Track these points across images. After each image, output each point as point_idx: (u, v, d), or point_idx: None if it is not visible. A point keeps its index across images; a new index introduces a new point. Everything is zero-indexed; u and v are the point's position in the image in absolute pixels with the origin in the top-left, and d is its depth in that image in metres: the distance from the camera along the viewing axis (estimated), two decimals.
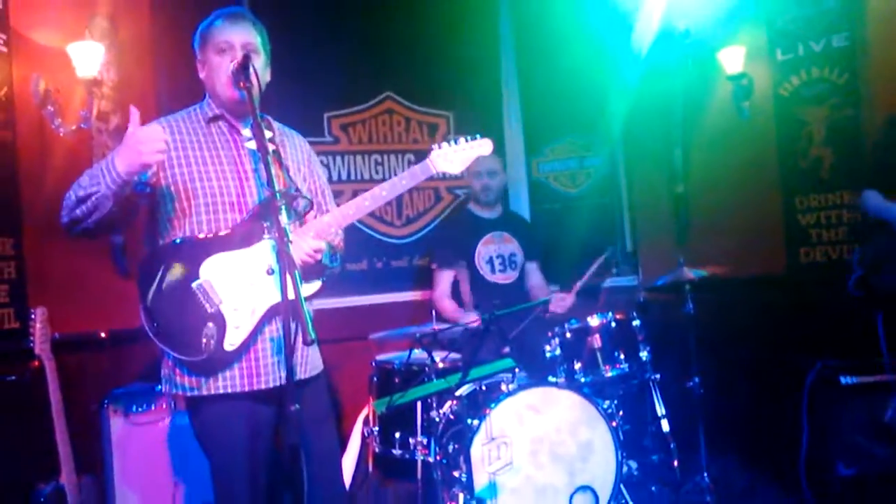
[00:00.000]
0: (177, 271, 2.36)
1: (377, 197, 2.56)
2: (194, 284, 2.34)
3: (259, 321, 2.38)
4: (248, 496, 2.39)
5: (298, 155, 2.69)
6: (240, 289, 2.37)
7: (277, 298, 2.34)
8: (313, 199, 2.60)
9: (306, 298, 2.25)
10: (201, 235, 2.41)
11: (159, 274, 2.36)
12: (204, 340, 2.32)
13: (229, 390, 2.39)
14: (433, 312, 3.70)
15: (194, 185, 2.43)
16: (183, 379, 2.41)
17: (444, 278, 4.30)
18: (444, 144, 2.64)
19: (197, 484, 3.48)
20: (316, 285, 2.51)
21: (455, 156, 2.64)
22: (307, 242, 2.40)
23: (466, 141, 2.66)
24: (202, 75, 2.56)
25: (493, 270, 4.31)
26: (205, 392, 2.39)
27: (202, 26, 2.55)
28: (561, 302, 4.05)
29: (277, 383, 2.41)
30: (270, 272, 2.38)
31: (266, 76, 2.58)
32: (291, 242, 2.18)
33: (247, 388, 2.39)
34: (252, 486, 2.40)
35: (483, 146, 2.67)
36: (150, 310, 2.35)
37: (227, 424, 2.40)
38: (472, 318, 3.82)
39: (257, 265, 2.39)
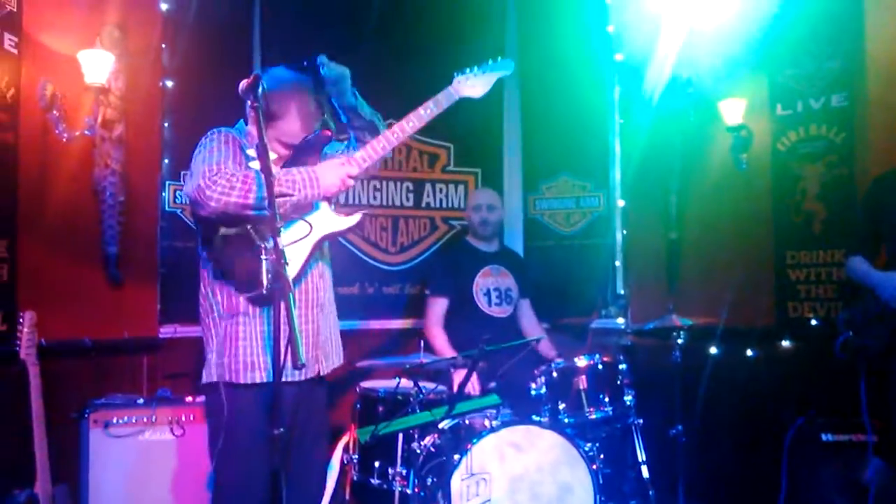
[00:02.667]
0: None
1: (404, 129, 2.70)
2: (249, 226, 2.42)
3: (307, 257, 2.58)
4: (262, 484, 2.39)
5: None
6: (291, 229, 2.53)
7: (329, 230, 2.63)
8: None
9: (344, 230, 2.65)
10: None
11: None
12: (264, 274, 2.33)
13: (260, 381, 2.53)
14: (422, 343, 3.70)
15: None
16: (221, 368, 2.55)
17: (438, 305, 4.31)
18: (467, 70, 2.76)
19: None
20: (356, 217, 2.67)
21: (477, 80, 2.77)
22: (343, 169, 2.59)
23: (489, 65, 2.78)
24: (275, 108, 2.62)
25: (489, 303, 4.33)
26: (242, 381, 2.52)
27: (286, 77, 2.69)
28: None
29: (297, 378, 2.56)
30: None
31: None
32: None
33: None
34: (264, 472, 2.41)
35: (504, 66, 2.80)
36: (216, 258, 2.52)
37: (254, 413, 2.50)
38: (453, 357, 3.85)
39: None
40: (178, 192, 4.33)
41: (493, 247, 4.51)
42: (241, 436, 2.52)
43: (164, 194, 4.26)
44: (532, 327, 4.42)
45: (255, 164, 2.52)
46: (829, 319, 4.10)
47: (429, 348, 3.95)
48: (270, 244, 2.20)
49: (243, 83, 2.40)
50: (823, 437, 3.61)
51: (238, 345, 2.57)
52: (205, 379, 2.62)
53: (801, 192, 4.37)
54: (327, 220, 2.66)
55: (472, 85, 2.75)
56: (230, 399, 2.50)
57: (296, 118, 2.68)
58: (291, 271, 2.44)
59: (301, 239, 2.54)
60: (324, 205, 2.66)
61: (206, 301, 2.64)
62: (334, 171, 2.59)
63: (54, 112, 3.70)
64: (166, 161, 4.26)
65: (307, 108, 2.70)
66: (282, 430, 2.16)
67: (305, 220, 2.55)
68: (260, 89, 2.38)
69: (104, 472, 3.39)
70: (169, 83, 4.27)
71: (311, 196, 2.53)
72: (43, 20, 3.73)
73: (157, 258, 4.14)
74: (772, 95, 4.50)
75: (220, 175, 2.42)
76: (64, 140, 3.72)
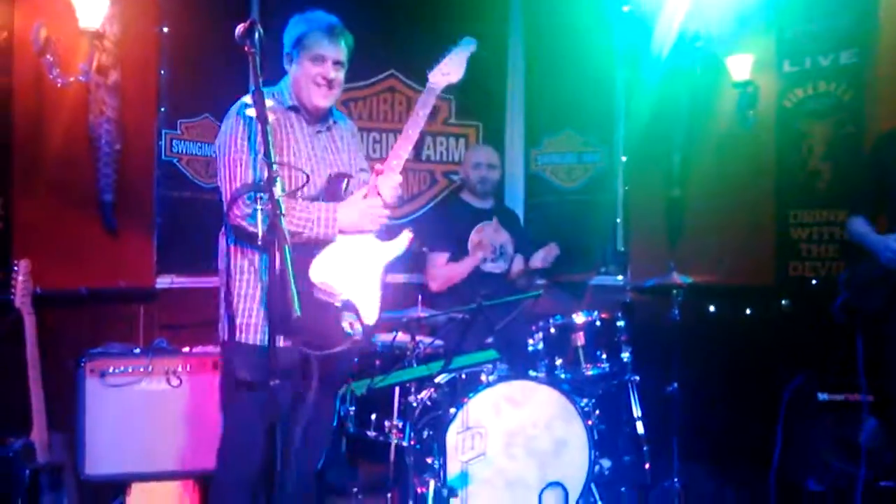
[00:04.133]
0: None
1: (409, 137, 2.74)
2: (315, 293, 2.52)
3: (380, 289, 2.69)
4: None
5: (348, 138, 2.94)
6: (351, 271, 2.62)
7: (384, 260, 2.74)
8: (355, 176, 2.87)
9: (397, 253, 2.76)
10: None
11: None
12: (347, 326, 2.55)
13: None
14: (419, 297, 3.69)
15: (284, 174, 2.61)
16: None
17: (439, 258, 4.29)
18: (436, 64, 2.79)
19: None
20: (404, 239, 2.78)
21: (450, 65, 2.79)
22: (392, 178, 2.70)
23: (452, 50, 2.80)
24: (289, 68, 2.78)
25: (484, 259, 4.30)
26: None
27: (301, 29, 2.74)
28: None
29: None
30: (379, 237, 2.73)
31: (341, 81, 2.79)
32: (284, 215, 2.16)
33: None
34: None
35: (466, 43, 2.82)
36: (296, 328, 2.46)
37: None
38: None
39: (353, 243, 2.66)
40: (174, 141, 4.27)
41: (488, 203, 4.48)
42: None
43: (160, 143, 4.20)
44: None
45: (251, 112, 2.45)
46: (830, 279, 4.07)
47: (427, 302, 3.93)
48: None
49: (240, 28, 2.34)
50: (820, 396, 3.61)
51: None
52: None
53: (808, 150, 4.31)
54: (377, 250, 2.74)
55: (446, 72, 2.78)
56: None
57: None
58: (371, 313, 2.63)
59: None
60: (368, 236, 2.71)
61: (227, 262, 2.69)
62: (355, 207, 2.65)
63: (48, 57, 3.62)
64: (163, 109, 4.19)
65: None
66: (277, 381, 2.14)
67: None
68: (256, 35, 2.32)
69: (101, 421, 3.39)
70: (165, 28, 4.18)
71: (325, 235, 2.60)
72: None
73: (153, 207, 4.10)
74: (779, 51, 4.42)
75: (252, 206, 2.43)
76: (59, 85, 3.66)
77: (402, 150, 2.72)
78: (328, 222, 2.61)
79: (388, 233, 2.80)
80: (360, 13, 4.75)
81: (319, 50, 2.71)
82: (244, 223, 2.53)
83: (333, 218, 2.61)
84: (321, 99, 2.74)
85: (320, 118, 2.82)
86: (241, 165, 2.59)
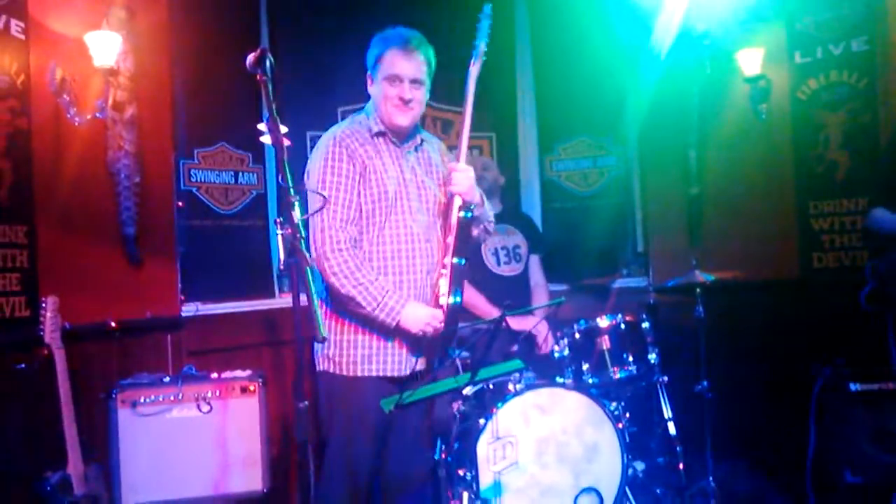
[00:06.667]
0: None
1: (465, 132, 2.89)
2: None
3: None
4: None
5: (437, 158, 2.98)
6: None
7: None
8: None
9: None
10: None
11: None
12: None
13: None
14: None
15: (377, 202, 2.73)
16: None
17: None
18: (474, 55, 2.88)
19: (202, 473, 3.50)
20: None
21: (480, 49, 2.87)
22: (468, 172, 2.79)
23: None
24: (371, 89, 2.83)
25: (498, 262, 4.28)
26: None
27: (380, 49, 2.79)
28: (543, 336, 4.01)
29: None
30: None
31: (425, 100, 2.84)
32: (304, 238, 2.18)
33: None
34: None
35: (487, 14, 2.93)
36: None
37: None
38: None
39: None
40: (192, 171, 4.32)
41: (497, 208, 4.47)
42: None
43: (178, 173, 4.25)
44: (541, 286, 4.37)
45: (266, 139, 2.49)
46: (855, 268, 4.04)
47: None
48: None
49: (251, 57, 2.36)
50: (852, 386, 3.57)
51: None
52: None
53: (824, 141, 4.30)
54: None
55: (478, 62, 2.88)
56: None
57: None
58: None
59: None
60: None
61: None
62: (423, 312, 2.74)
63: (65, 96, 3.68)
64: (179, 139, 4.25)
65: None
66: (305, 403, 2.16)
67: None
68: (268, 63, 2.35)
69: (134, 450, 3.43)
70: (178, 61, 4.24)
71: (382, 321, 2.69)
72: (48, 3, 3.69)
73: (175, 237, 4.14)
74: (790, 43, 4.41)
75: (348, 264, 2.66)
76: (76, 124, 3.71)
77: (464, 143, 2.84)
78: (392, 313, 2.68)
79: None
80: (369, 32, 4.81)
81: (395, 70, 2.73)
82: (329, 277, 2.70)
83: (399, 311, 2.68)
84: (401, 118, 2.76)
85: (406, 137, 2.85)
86: (327, 212, 2.71)
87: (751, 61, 4.40)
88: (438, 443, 3.03)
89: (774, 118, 4.45)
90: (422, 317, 2.73)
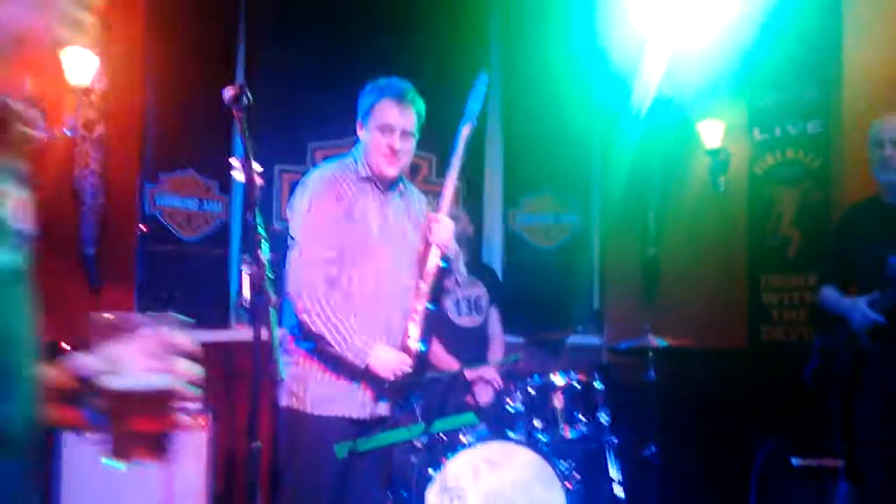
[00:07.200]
0: None
1: (450, 186, 2.96)
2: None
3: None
4: None
5: (416, 207, 3.00)
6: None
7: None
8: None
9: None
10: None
11: None
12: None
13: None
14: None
15: (359, 242, 2.76)
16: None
17: None
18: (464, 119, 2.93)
19: None
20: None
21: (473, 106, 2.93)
22: (447, 223, 2.83)
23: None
24: (361, 135, 2.83)
25: (459, 313, 4.29)
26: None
27: (374, 97, 2.80)
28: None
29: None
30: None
31: (412, 152, 2.85)
32: (272, 279, 2.18)
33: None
34: None
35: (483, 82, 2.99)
36: None
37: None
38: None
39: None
40: (155, 196, 4.28)
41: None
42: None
43: (143, 196, 4.21)
44: (498, 339, 4.41)
45: (238, 175, 2.49)
46: (801, 343, 4.14)
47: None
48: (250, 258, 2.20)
49: (228, 92, 2.37)
50: (794, 461, 3.64)
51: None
52: None
53: (777, 216, 4.42)
54: None
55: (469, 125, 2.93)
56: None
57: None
58: None
59: None
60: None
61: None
62: (391, 356, 2.74)
63: (34, 110, 3.64)
64: (147, 162, 4.22)
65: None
66: (258, 443, 2.14)
67: None
68: (245, 100, 2.36)
69: (78, 479, 3.35)
70: (150, 84, 4.22)
71: (351, 361, 2.69)
72: None
73: (135, 261, 4.09)
74: (750, 119, 4.56)
75: (321, 302, 2.67)
76: (44, 140, 3.67)
77: (448, 196, 2.90)
78: (361, 354, 2.69)
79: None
80: (340, 72, 4.84)
81: (388, 120, 2.74)
82: (305, 321, 2.72)
83: (367, 353, 2.69)
84: (388, 168, 2.78)
85: (390, 185, 2.87)
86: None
87: (712, 133, 4.54)
88: (388, 492, 3.02)
89: (732, 190, 4.57)
90: (390, 360, 2.74)
